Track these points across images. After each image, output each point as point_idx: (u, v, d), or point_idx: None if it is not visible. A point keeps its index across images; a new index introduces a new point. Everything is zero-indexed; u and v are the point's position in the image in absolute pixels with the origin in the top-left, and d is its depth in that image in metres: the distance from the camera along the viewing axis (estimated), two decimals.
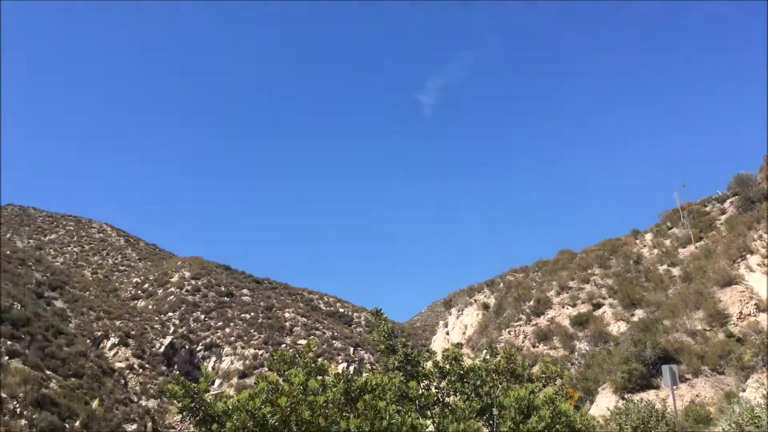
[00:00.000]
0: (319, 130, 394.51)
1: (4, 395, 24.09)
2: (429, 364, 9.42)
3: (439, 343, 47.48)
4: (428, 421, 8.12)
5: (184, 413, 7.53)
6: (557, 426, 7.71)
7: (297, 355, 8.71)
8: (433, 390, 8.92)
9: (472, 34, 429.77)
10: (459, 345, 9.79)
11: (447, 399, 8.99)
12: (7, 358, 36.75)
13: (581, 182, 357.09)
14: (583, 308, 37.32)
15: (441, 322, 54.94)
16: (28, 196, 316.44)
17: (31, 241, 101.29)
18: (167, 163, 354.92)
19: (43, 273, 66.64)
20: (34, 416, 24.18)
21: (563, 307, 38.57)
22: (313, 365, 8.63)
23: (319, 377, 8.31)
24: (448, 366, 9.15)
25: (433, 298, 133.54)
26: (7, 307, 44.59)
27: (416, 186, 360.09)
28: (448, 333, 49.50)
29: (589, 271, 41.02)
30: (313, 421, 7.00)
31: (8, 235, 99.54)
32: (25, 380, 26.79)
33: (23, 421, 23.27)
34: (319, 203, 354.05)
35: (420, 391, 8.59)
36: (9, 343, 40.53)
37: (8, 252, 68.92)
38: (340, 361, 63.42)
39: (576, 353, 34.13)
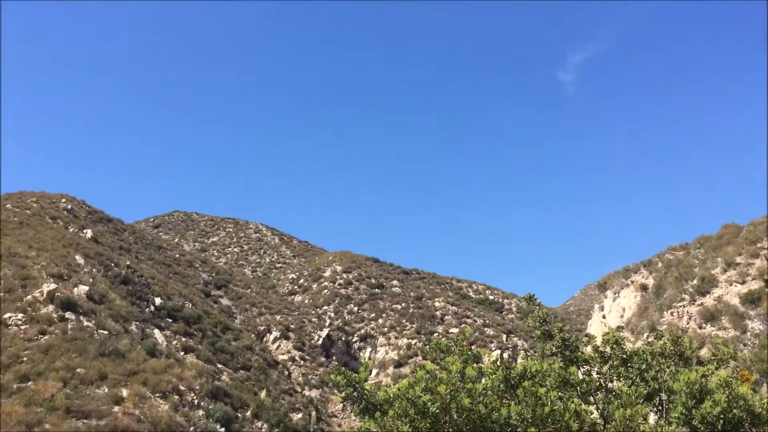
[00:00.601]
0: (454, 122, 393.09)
1: (182, 388, 26.09)
2: (588, 349, 9.11)
3: (595, 328, 45.87)
4: (591, 407, 7.85)
5: (347, 402, 7.76)
6: (734, 410, 7.18)
7: (452, 344, 8.72)
8: (595, 375, 8.62)
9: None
10: (619, 328, 9.39)
11: (610, 384, 8.65)
12: (183, 353, 39.79)
13: (743, 149, 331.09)
14: (754, 285, 34.53)
15: (596, 306, 53.01)
16: (191, 203, 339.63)
17: (196, 244, 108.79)
18: (324, 171, 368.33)
19: (208, 273, 71.43)
20: (210, 407, 26.04)
21: (731, 285, 35.94)
22: (468, 353, 8.60)
23: (476, 365, 8.27)
24: (609, 350, 8.80)
25: (586, 281, 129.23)
26: (180, 306, 48.26)
27: (557, 180, 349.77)
28: (604, 317, 47.66)
29: (759, 245, 37.90)
30: (473, 408, 6.97)
31: (176, 240, 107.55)
32: (200, 373, 28.91)
33: (201, 412, 25.08)
34: (462, 192, 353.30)
35: (581, 377, 8.33)
36: (183, 339, 43.86)
37: (177, 255, 74.49)
38: (493, 348, 62.99)
39: (749, 333, 31.70)
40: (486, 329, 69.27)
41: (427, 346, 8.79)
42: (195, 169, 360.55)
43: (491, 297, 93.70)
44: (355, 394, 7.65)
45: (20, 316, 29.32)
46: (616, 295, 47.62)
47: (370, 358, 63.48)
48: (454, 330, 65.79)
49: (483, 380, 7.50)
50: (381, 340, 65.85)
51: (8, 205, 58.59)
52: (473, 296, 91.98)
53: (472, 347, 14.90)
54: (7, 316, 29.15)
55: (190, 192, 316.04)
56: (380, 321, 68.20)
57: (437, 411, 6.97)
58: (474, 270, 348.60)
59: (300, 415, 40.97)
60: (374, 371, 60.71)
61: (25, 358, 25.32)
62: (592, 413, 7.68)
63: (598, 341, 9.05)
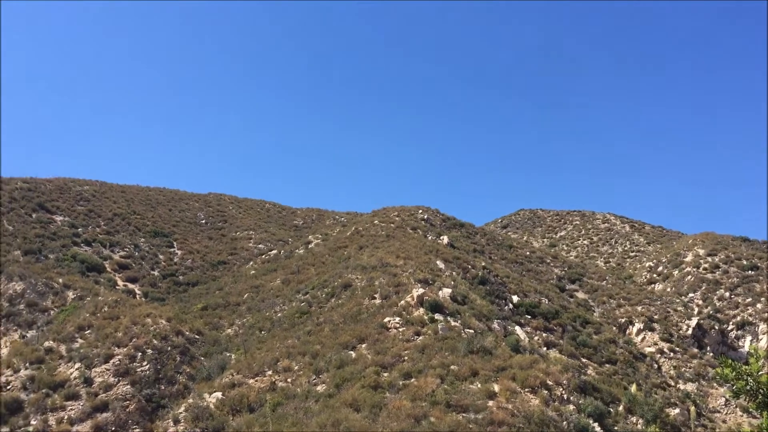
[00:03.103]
0: None
1: (550, 383, 26.34)
2: None
3: None
4: None
5: (739, 396, 6.97)
6: None
7: None
8: None
9: None
10: None
11: None
12: (545, 348, 40.21)
13: None
14: None
15: None
16: (536, 201, 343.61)
17: (544, 240, 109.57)
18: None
19: (560, 268, 71.29)
20: (580, 401, 25.83)
21: None
22: None
23: None
24: None
25: None
26: (536, 303, 48.93)
27: None
28: None
29: None
30: None
31: (525, 238, 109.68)
32: (565, 368, 28.89)
33: (571, 406, 25.00)
34: None
35: None
36: (544, 335, 44.31)
37: (528, 253, 75.84)
38: None
39: None
40: None
41: None
42: (536, 168, 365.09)
43: None
44: (748, 387, 6.83)
45: (397, 319, 32.55)
46: None
47: (752, 348, 56.92)
48: None
49: None
50: (762, 327, 58.67)
51: (376, 221, 65.80)
52: None
53: None
54: (386, 320, 32.59)
55: (534, 189, 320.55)
56: (758, 306, 60.86)
57: None
58: None
59: (677, 411, 38.38)
60: (761, 362, 54.28)
61: (405, 357, 27.98)
62: None
63: None
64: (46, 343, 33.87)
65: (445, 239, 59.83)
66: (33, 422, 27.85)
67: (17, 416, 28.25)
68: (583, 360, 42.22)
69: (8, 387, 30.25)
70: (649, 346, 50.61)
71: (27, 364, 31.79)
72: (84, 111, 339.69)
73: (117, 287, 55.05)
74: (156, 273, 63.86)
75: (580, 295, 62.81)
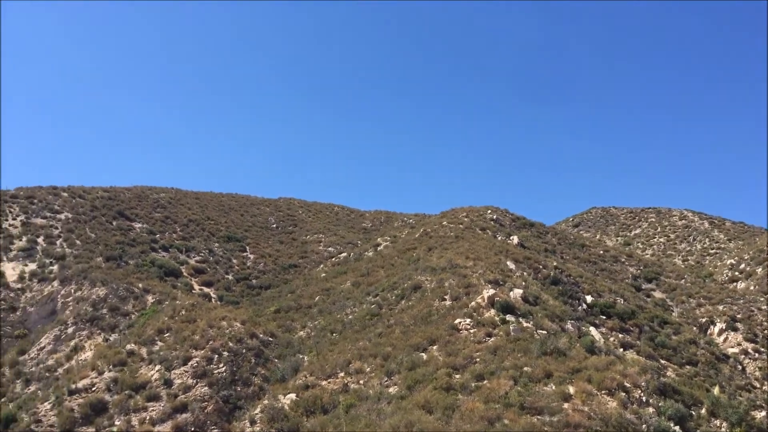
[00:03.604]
0: None
1: (627, 385, 25.59)
2: None
3: None
4: None
5: None
6: None
7: None
8: None
9: None
10: None
11: None
12: (621, 349, 39.14)
13: None
14: None
15: None
16: (607, 199, 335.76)
17: (618, 238, 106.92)
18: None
19: (636, 267, 69.34)
20: (660, 404, 24.98)
21: None
22: None
23: None
24: None
25: None
26: (611, 303, 47.70)
27: None
28: None
29: None
30: None
31: (597, 236, 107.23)
32: (643, 370, 27.99)
33: (650, 409, 24.22)
34: None
35: None
36: (620, 335, 43.15)
37: (601, 252, 74.07)
38: None
39: None
40: None
41: None
42: (611, 164, 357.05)
43: None
44: None
45: (468, 320, 32.31)
46: None
47: None
48: None
49: None
50: None
51: (444, 222, 65.54)
52: None
53: None
54: (457, 321, 32.39)
55: (606, 187, 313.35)
56: None
57: None
58: None
59: (763, 414, 36.68)
60: None
61: (477, 359, 27.72)
62: None
63: None
64: (128, 346, 35.12)
65: (515, 239, 59.08)
66: (117, 422, 28.89)
67: (102, 417, 29.37)
68: (662, 361, 40.90)
69: (93, 389, 31.50)
70: (732, 347, 48.61)
71: (110, 367, 33.04)
72: (166, 120, 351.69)
73: (193, 291, 56.67)
74: (230, 277, 65.43)
75: (658, 294, 60.93)
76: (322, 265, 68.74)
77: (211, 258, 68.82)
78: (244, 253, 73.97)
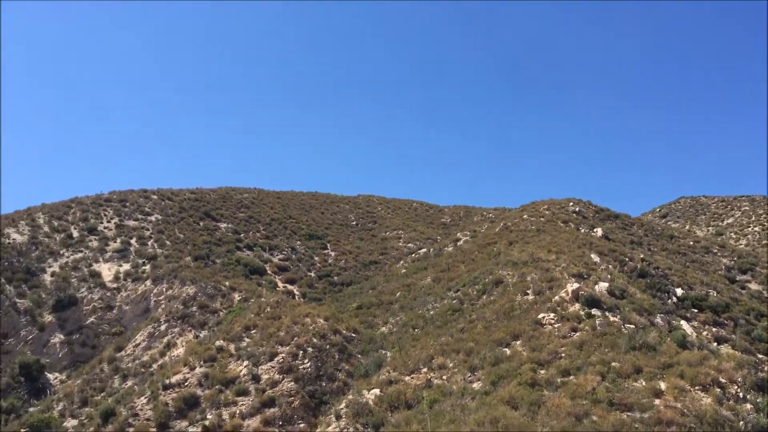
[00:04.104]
0: None
1: (722, 380, 24.58)
2: None
3: None
4: None
5: None
6: None
7: None
8: None
9: None
10: None
11: None
12: (715, 343, 37.55)
13: None
14: None
15: None
16: (698, 187, 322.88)
17: (709, 228, 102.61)
18: None
19: (729, 258, 66.39)
20: (758, 400, 23.85)
21: None
22: None
23: None
24: None
25: None
26: (703, 295, 45.81)
27: None
28: None
29: None
30: None
31: (686, 227, 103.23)
32: (740, 365, 26.78)
33: (748, 405, 23.17)
34: None
35: None
36: (714, 329, 41.39)
37: (691, 243, 71.30)
38: None
39: None
40: None
41: None
42: (698, 152, 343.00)
43: None
44: None
45: (552, 315, 31.72)
46: None
47: None
48: None
49: None
50: None
51: (525, 216, 64.58)
52: None
53: None
54: (540, 316, 31.87)
55: (695, 176, 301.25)
56: None
57: None
58: None
59: None
60: None
61: (563, 354, 27.19)
62: None
63: None
64: (217, 343, 36.24)
65: (599, 231, 57.58)
66: (209, 416, 29.89)
67: (194, 411, 30.44)
68: (760, 356, 38.97)
69: (186, 384, 32.68)
70: None
71: (201, 362, 34.18)
72: (255, 126, 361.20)
73: (277, 288, 57.98)
74: (312, 274, 66.57)
75: (753, 286, 58.15)
76: (402, 261, 69.00)
77: (294, 256, 70.21)
78: (326, 251, 75.10)
